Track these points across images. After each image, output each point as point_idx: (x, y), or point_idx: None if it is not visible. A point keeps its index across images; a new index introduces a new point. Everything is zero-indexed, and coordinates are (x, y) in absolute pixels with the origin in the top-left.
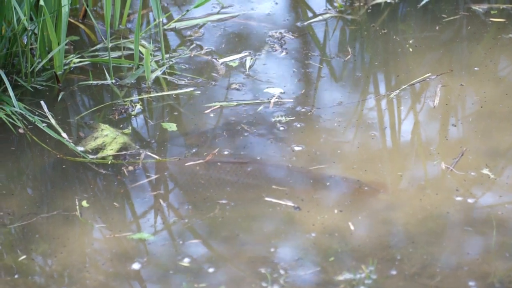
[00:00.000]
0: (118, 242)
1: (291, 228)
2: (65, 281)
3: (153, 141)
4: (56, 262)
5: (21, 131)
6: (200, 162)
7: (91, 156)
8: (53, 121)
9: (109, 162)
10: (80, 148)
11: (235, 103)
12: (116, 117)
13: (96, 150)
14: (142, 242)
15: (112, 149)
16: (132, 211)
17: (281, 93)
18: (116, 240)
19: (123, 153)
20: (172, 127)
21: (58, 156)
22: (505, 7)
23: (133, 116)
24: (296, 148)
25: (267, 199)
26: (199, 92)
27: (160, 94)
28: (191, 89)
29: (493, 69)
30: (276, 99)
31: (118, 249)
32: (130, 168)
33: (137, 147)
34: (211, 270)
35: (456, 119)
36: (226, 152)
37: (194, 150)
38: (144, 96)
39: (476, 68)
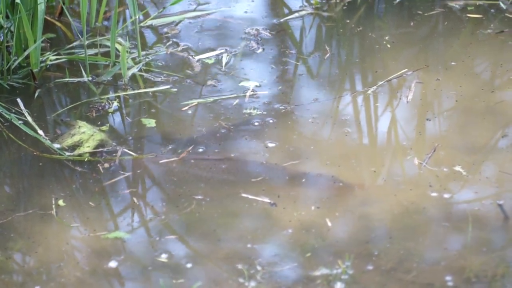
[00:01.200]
0: (95, 241)
1: (268, 224)
2: (42, 279)
3: (130, 138)
4: (31, 261)
5: None
6: (175, 160)
7: (67, 154)
8: (29, 119)
9: (85, 159)
10: (56, 145)
11: (212, 99)
12: (93, 115)
13: (73, 147)
14: (118, 240)
15: (89, 146)
16: (108, 210)
17: (256, 86)
18: (92, 239)
19: (100, 150)
20: (151, 123)
21: (34, 153)
22: (481, 3)
23: (110, 113)
24: (270, 145)
25: (243, 195)
26: (175, 89)
27: (137, 91)
28: (168, 86)
29: (470, 64)
30: (252, 92)
31: (94, 248)
32: (106, 165)
33: (114, 144)
34: (189, 265)
35: (432, 114)
36: (201, 150)
37: (170, 147)
38: (121, 93)
39: (453, 63)
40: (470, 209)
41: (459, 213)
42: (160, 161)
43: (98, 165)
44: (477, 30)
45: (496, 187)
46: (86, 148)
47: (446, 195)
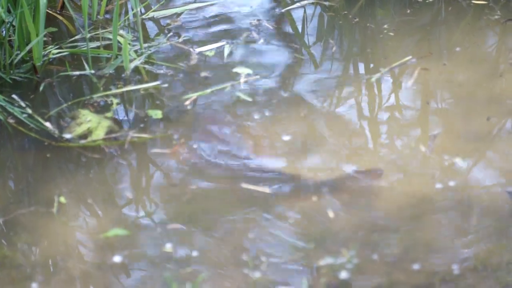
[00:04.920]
0: (97, 237)
1: (269, 214)
2: (43, 275)
3: (131, 130)
4: (34, 257)
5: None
6: (172, 151)
7: (81, 141)
8: (29, 111)
9: (101, 145)
10: (68, 135)
11: (209, 91)
12: (96, 107)
13: (85, 136)
14: (119, 236)
15: (99, 134)
16: (109, 206)
17: (252, 75)
18: (94, 236)
19: (111, 135)
20: (157, 114)
21: (45, 143)
22: None
23: (112, 107)
24: (282, 138)
25: (243, 185)
26: (173, 82)
27: (138, 87)
28: (162, 81)
29: (475, 51)
30: (246, 79)
31: (97, 244)
32: (110, 153)
33: (124, 129)
34: (194, 254)
35: (435, 100)
36: (195, 145)
37: (169, 140)
38: (123, 86)
39: (457, 49)
40: (476, 198)
41: (464, 202)
42: (158, 151)
43: (105, 150)
44: (484, 16)
45: (502, 175)
46: (98, 135)
47: (451, 184)
